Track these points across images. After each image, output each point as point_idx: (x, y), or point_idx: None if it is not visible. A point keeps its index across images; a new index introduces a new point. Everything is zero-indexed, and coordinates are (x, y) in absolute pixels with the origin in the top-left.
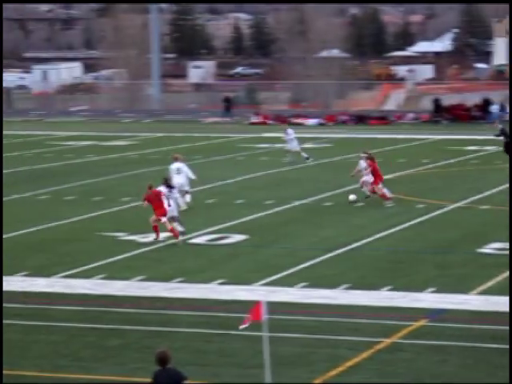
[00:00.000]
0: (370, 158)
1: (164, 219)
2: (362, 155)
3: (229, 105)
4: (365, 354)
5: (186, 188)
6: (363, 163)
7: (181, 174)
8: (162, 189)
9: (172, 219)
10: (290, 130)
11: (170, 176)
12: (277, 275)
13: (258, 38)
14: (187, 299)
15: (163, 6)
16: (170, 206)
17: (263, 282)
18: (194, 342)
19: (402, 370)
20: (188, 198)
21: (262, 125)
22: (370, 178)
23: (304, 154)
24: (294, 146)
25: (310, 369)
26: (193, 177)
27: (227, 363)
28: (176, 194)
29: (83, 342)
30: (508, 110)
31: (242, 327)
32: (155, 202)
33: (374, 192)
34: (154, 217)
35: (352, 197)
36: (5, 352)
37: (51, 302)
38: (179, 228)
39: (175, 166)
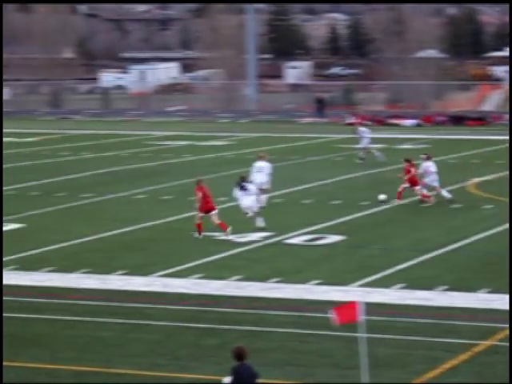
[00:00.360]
0: (408, 161)
1: (200, 214)
2: (423, 156)
3: (321, 105)
4: (462, 356)
5: (265, 186)
6: (426, 164)
7: (262, 172)
8: (236, 189)
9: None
10: (362, 129)
11: (248, 174)
12: (373, 276)
13: (355, 38)
14: (283, 299)
15: (259, 6)
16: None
17: (359, 282)
18: (289, 342)
19: (500, 372)
20: (264, 197)
21: (359, 125)
22: (431, 180)
23: (362, 155)
24: (363, 143)
25: (407, 370)
26: (270, 177)
27: (323, 364)
28: (253, 191)
29: (181, 341)
30: None
31: (330, 314)
32: (203, 197)
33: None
34: (200, 214)
35: (382, 197)
36: (102, 350)
37: (149, 301)
38: (261, 224)
39: (258, 164)
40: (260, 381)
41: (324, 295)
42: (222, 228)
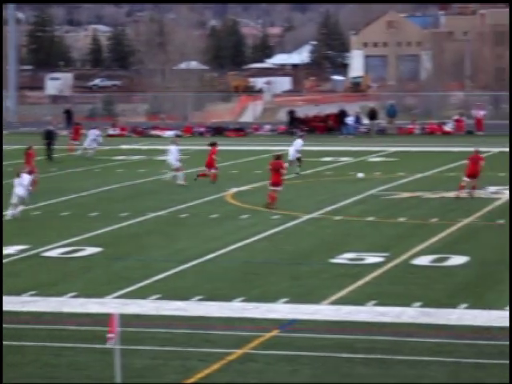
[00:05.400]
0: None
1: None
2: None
3: (68, 117)
4: (216, 365)
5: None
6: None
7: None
8: None
9: None
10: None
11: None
12: (130, 287)
13: (117, 50)
14: (39, 313)
15: (21, 16)
16: None
17: (116, 294)
18: (43, 355)
19: (253, 380)
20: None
21: (120, 137)
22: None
23: None
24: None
25: (161, 381)
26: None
27: (77, 376)
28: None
29: None
30: (363, 121)
31: (109, 343)
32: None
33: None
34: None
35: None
36: None
37: None
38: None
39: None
40: None
41: (80, 308)
42: None
